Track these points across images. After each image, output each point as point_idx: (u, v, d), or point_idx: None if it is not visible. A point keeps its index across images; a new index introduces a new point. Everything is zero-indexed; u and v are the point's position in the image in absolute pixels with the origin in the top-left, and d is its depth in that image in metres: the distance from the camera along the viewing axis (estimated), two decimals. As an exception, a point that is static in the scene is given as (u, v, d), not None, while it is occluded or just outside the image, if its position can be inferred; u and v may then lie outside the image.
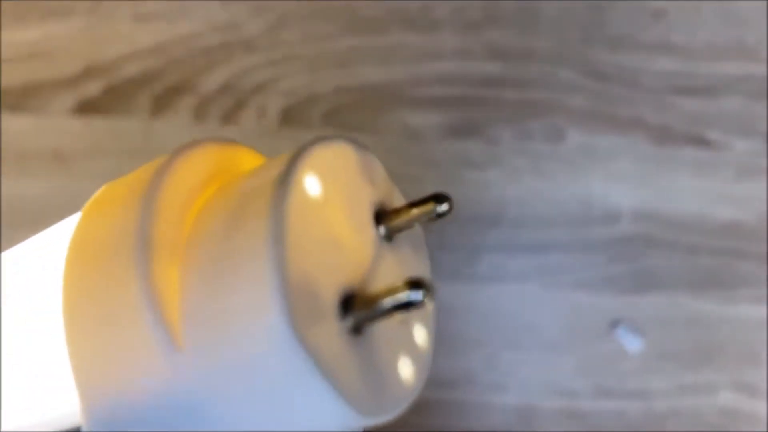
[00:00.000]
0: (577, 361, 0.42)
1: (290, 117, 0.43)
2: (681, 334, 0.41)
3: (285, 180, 0.10)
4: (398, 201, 0.13)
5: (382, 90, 0.42)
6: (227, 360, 0.09)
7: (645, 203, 0.42)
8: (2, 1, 0.44)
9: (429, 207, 0.12)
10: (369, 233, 0.12)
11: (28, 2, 0.44)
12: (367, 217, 0.12)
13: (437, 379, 0.42)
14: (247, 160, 0.13)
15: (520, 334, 0.42)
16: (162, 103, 0.43)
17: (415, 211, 0.12)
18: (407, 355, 0.12)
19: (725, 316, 0.41)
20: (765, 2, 0.40)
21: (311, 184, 0.11)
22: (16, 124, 0.44)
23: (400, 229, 0.12)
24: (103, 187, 0.13)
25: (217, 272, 0.10)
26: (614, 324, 0.41)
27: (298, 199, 0.10)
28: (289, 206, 0.10)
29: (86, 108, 0.44)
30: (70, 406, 0.14)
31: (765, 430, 0.41)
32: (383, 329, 0.11)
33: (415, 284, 0.10)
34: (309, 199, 0.10)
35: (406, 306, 0.10)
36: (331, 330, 0.10)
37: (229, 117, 0.43)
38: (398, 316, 0.11)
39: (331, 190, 0.11)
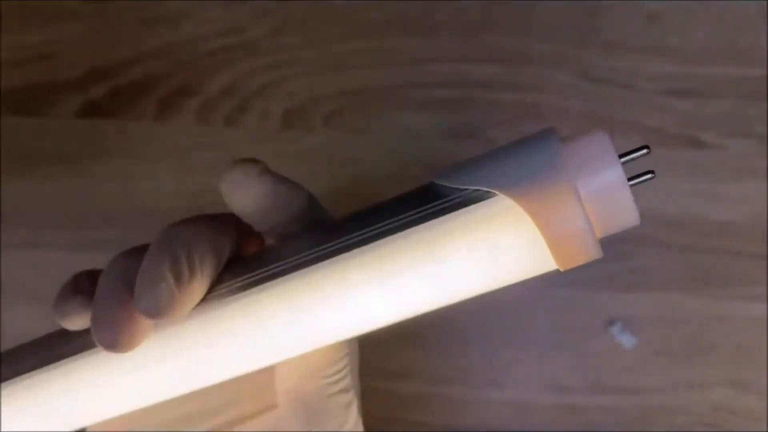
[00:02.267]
0: (572, 357, 0.42)
1: (292, 119, 0.43)
2: (675, 331, 0.41)
3: None
4: None
5: (382, 92, 0.42)
6: None
7: (640, 203, 0.42)
8: (8, 4, 0.45)
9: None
10: None
11: (34, 5, 0.44)
12: None
13: (434, 375, 0.43)
14: None
15: (516, 331, 0.42)
16: (166, 106, 0.44)
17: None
18: None
19: (718, 314, 0.41)
20: (759, 6, 0.40)
21: None
22: (22, 126, 0.45)
23: None
24: None
25: None
26: (609, 322, 0.41)
27: None
28: None
29: (91, 110, 0.45)
30: None
31: (759, 425, 0.41)
32: None
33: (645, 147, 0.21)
34: None
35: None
36: None
37: (232, 119, 0.43)
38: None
39: None
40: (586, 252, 0.20)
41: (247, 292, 0.22)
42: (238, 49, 0.43)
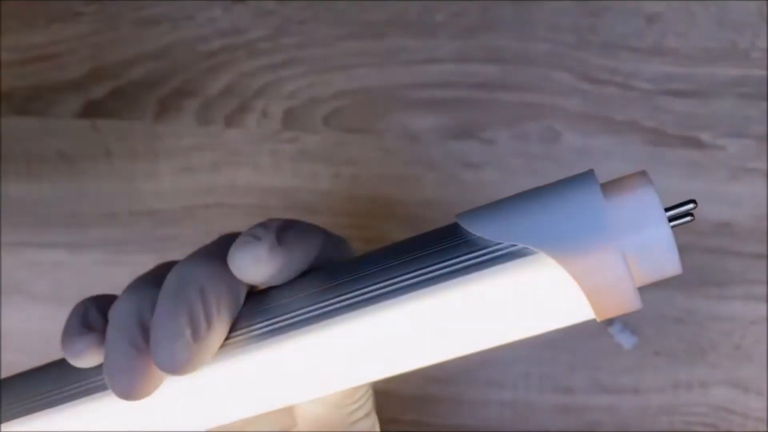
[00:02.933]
0: (572, 357, 0.42)
1: (292, 119, 0.43)
2: (675, 331, 0.41)
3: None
4: None
5: (382, 93, 0.42)
6: None
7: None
8: (9, 5, 0.45)
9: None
10: None
11: (35, 6, 0.45)
12: None
13: (434, 375, 0.43)
14: None
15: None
16: (166, 106, 0.44)
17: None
18: None
19: (718, 314, 0.41)
20: (759, 6, 0.41)
21: None
22: (22, 126, 0.45)
23: None
24: None
25: None
26: (608, 321, 0.41)
27: None
28: None
29: (92, 110, 0.45)
30: None
31: (759, 425, 0.41)
32: None
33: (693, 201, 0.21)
34: None
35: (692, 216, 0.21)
36: None
37: (232, 119, 0.43)
38: None
39: None
40: (628, 305, 0.20)
41: (270, 340, 0.22)
42: (238, 49, 0.43)
